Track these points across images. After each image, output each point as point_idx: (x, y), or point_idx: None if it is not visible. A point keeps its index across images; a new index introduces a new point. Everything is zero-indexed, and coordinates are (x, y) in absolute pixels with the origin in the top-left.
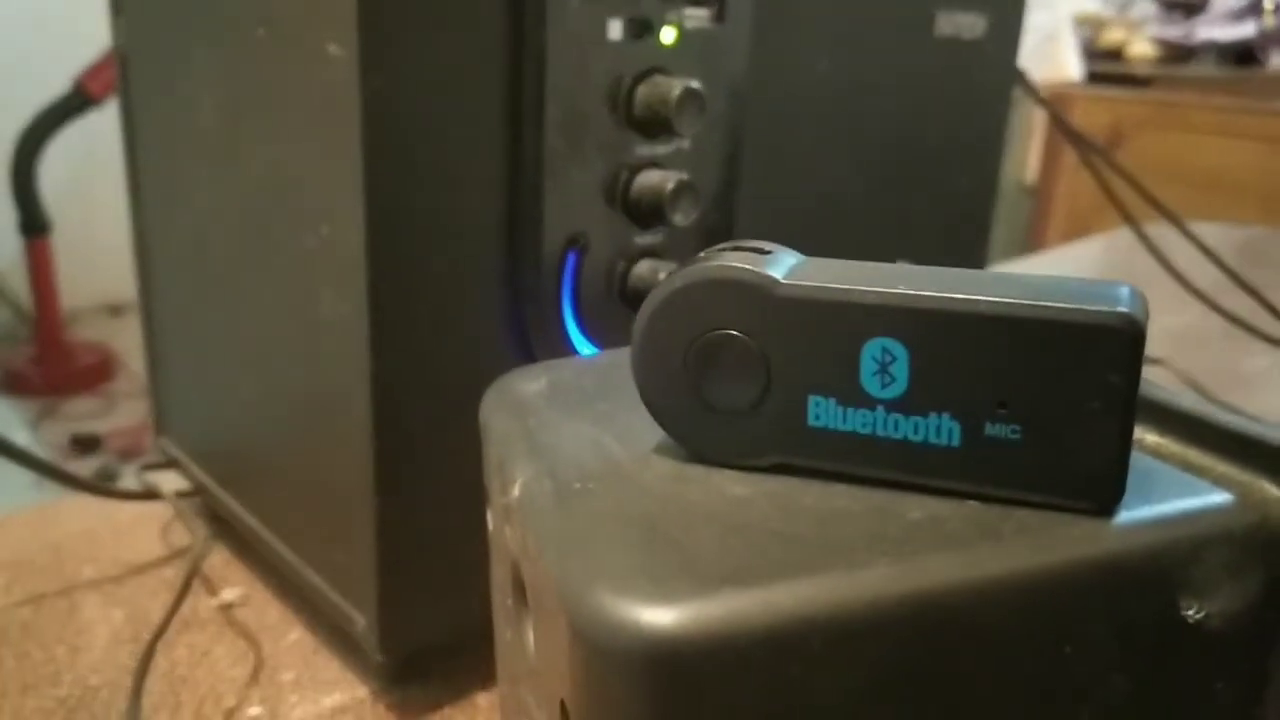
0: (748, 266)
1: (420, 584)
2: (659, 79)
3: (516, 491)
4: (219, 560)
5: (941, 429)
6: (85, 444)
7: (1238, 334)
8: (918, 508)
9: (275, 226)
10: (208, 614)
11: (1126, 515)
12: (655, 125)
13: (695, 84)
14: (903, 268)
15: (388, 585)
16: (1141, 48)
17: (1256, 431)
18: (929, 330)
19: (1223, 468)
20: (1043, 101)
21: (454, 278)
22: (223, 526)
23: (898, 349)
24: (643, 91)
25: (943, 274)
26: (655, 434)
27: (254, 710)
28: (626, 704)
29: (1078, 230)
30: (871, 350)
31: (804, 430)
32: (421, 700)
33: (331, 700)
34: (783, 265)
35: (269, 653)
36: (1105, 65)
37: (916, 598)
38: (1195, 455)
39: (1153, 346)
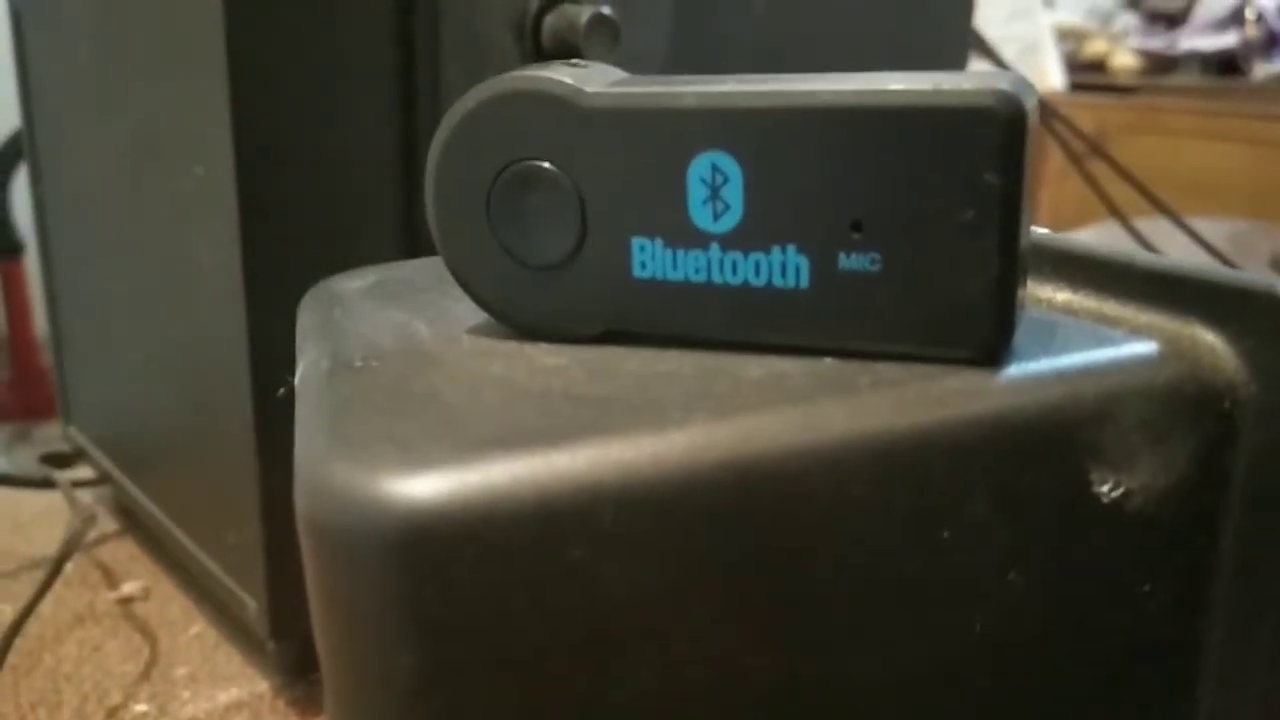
0: (550, 76)
1: None
2: (568, 7)
3: (296, 380)
4: (125, 554)
5: (787, 266)
6: (54, 463)
7: None
8: (760, 366)
9: (152, 172)
10: (105, 608)
11: (1018, 367)
12: (567, 58)
13: (606, 10)
14: (739, 76)
15: (276, 563)
16: (1124, 59)
17: (1183, 269)
18: (763, 137)
19: (1145, 317)
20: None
21: (342, 222)
22: (131, 521)
23: (729, 165)
24: (550, 20)
25: (785, 76)
26: (478, 318)
27: (140, 707)
28: (364, 602)
29: None
30: (699, 170)
31: (630, 284)
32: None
33: (228, 696)
34: (599, 78)
35: (166, 648)
36: (1088, 77)
37: (740, 462)
38: (1113, 308)
39: None
